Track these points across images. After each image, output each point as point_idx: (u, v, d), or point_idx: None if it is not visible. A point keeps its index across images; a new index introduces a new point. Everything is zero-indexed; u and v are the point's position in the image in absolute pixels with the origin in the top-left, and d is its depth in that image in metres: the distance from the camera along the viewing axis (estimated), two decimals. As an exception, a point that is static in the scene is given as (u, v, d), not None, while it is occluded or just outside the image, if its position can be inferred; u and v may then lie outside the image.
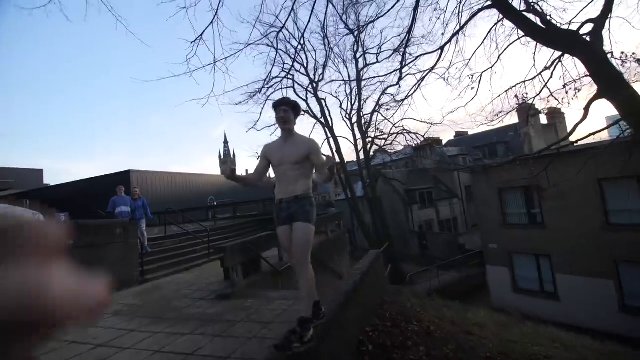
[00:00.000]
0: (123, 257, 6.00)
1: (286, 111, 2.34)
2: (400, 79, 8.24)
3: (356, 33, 12.95)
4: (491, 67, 6.40)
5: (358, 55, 16.93)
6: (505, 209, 13.41)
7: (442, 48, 6.36)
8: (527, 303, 12.28)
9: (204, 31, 4.85)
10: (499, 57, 6.15)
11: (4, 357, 0.23)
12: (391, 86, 14.72)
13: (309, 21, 19.69)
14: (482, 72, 6.58)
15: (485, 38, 6.21)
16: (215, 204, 18.60)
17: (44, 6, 3.83)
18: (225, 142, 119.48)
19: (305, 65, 18.00)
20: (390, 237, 17.75)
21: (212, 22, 4.87)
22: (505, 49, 6.01)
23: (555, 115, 24.32)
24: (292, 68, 16.74)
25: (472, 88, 6.61)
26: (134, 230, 6.56)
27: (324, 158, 2.35)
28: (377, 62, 12.01)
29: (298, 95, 18.60)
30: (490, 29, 6.06)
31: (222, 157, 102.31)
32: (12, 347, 0.24)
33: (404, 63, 7.38)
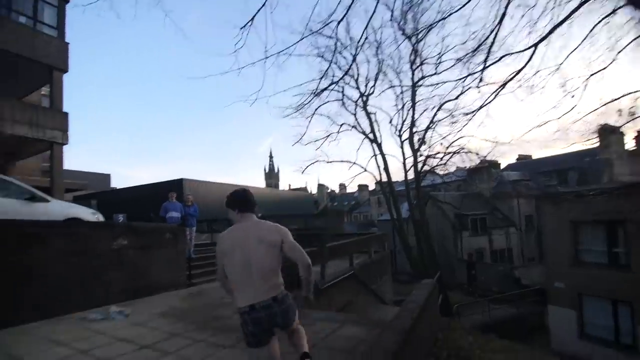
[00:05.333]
0: (171, 260, 6.18)
1: None
2: (461, 92, 7.45)
3: (414, 40, 12.08)
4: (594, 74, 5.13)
5: (414, 65, 15.90)
6: (579, 245, 11.82)
7: (535, 46, 5.00)
8: (595, 352, 10.72)
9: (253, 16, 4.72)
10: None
11: None
12: (449, 100, 13.65)
13: (365, 29, 19.71)
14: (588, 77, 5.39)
15: (585, 39, 4.99)
16: (260, 215, 18.99)
17: (95, 2, 4.01)
18: (271, 157, 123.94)
19: (356, 77, 17.93)
20: (436, 263, 16.56)
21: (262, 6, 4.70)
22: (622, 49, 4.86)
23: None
24: (342, 80, 16.75)
25: (554, 107, 5.75)
26: (183, 235, 6.79)
27: None
28: (436, 73, 11.19)
29: (347, 109, 18.59)
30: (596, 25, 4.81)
31: (267, 172, 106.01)
32: None
33: (469, 72, 6.41)
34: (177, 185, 18.57)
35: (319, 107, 20.11)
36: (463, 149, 15.97)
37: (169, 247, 6.12)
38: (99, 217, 6.00)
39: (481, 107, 6.23)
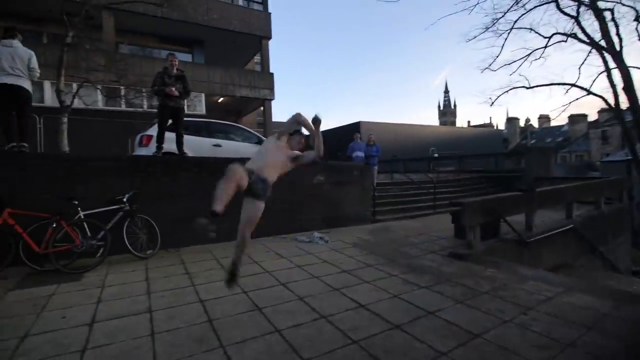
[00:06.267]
0: (359, 196, 6.61)
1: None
2: None
3: None
4: None
5: None
6: None
7: None
8: None
9: None
10: None
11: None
12: None
13: None
14: None
15: None
16: (437, 155, 17.78)
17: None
18: (446, 92, 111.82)
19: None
20: None
21: None
22: None
23: None
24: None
25: None
26: (369, 173, 7.09)
27: None
28: None
29: (563, 12, 13.33)
30: None
31: (441, 109, 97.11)
32: None
33: None
34: (355, 128, 19.83)
35: (519, 18, 15.38)
36: None
37: (357, 184, 6.55)
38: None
39: None
